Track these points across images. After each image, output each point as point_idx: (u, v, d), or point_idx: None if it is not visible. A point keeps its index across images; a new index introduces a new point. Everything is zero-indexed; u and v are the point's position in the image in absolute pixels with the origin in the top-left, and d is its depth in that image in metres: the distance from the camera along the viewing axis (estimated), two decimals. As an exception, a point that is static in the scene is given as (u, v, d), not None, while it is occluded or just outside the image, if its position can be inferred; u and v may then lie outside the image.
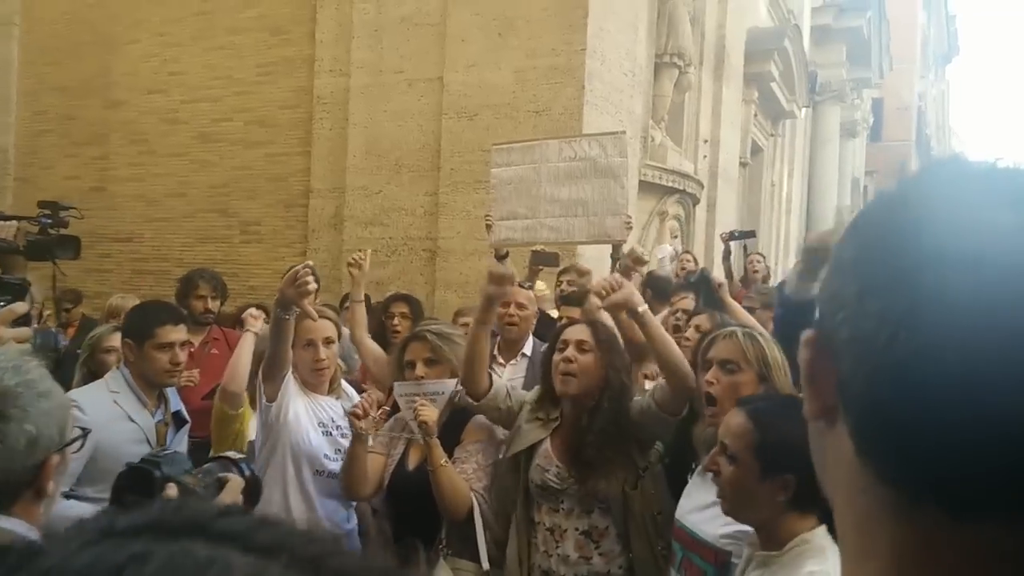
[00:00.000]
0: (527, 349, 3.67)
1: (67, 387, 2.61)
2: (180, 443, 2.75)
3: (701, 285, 4.15)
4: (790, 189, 15.10)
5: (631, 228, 3.94)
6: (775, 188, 13.98)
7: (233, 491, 1.70)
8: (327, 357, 2.84)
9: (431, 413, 2.53)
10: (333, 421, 2.83)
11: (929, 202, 0.44)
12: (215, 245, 7.80)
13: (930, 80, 33.96)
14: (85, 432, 1.47)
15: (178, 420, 2.79)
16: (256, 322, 3.33)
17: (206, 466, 1.74)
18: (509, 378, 3.34)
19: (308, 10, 7.32)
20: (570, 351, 2.49)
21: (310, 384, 2.85)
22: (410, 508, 2.62)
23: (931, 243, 0.41)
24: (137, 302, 3.47)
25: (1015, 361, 0.38)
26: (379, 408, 2.61)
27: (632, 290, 2.48)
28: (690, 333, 3.03)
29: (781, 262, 13.63)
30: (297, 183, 7.44)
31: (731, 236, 6.82)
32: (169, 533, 0.35)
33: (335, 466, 2.74)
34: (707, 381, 2.16)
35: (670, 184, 8.14)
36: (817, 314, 0.49)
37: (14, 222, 3.25)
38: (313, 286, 2.57)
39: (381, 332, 3.93)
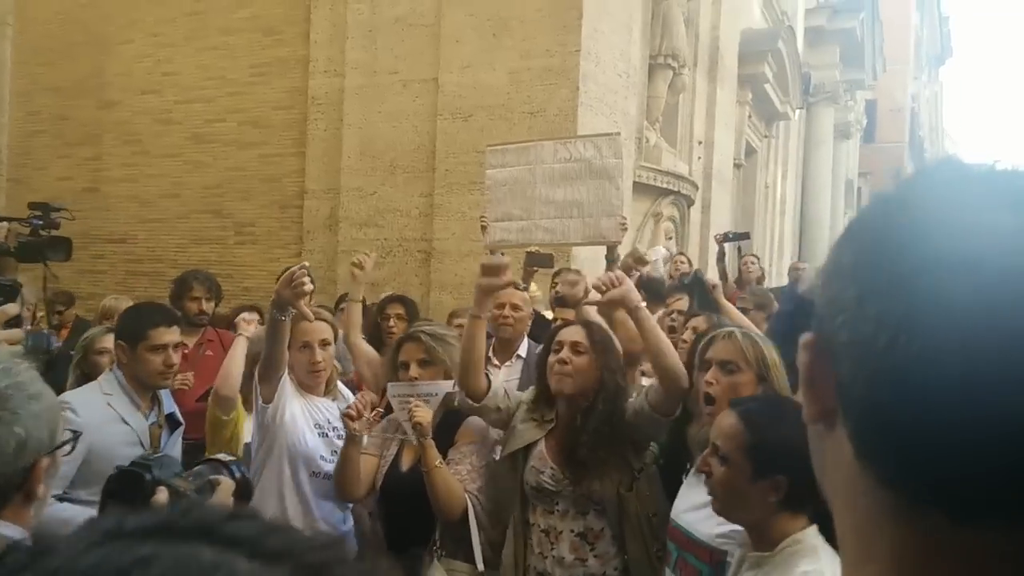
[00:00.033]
0: (522, 351, 3.67)
1: (61, 389, 2.60)
2: (174, 445, 2.74)
3: (695, 286, 4.15)
4: (784, 190, 15.14)
5: (626, 229, 3.94)
6: (769, 189, 14.01)
7: (224, 494, 1.69)
8: (323, 359, 2.84)
9: (425, 414, 2.53)
10: (329, 423, 2.83)
11: (928, 205, 0.44)
12: (209, 246, 7.77)
13: (923, 82, 34.12)
14: (76, 434, 1.47)
15: (172, 422, 2.78)
16: (248, 327, 3.33)
17: (196, 468, 1.73)
18: (504, 379, 3.34)
19: (302, 10, 7.30)
20: (565, 352, 2.49)
21: (306, 386, 2.84)
22: (403, 509, 2.62)
23: (930, 246, 0.41)
24: (131, 303, 3.46)
25: (1015, 363, 0.38)
26: (373, 409, 2.61)
27: (631, 286, 2.48)
28: (687, 335, 3.03)
29: (775, 263, 13.67)
30: (291, 184, 7.42)
31: (725, 237, 6.83)
32: (177, 536, 0.35)
33: (331, 468, 2.74)
34: (707, 381, 2.17)
35: (665, 185, 8.15)
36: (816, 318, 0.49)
37: (5, 224, 3.24)
38: (309, 287, 2.56)
39: (377, 333, 3.93)
